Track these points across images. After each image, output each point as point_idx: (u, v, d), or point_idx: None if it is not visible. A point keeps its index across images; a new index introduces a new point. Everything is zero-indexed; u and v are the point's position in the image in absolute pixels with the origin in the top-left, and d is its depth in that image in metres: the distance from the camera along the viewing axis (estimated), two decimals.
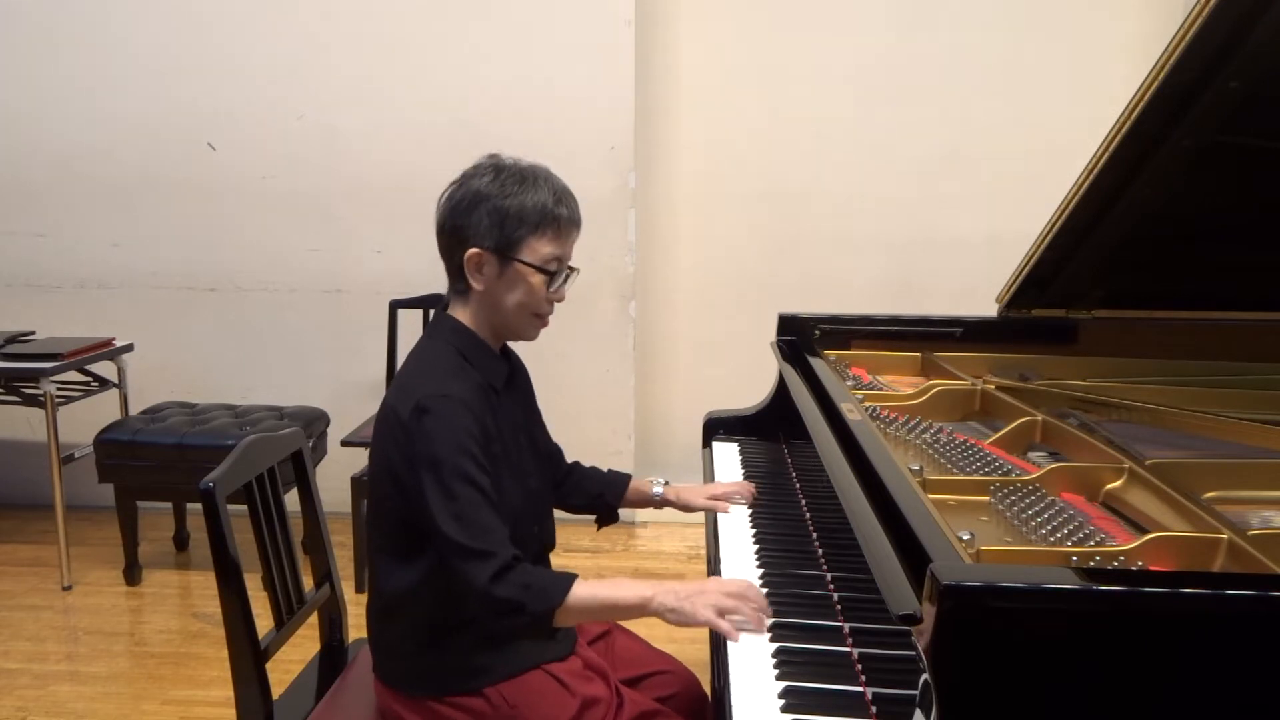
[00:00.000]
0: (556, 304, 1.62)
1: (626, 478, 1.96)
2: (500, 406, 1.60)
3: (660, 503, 1.96)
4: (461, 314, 1.60)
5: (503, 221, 1.52)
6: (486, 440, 1.52)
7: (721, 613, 1.45)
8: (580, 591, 1.47)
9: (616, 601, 1.49)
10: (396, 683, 1.60)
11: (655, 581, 1.52)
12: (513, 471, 1.60)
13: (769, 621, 1.46)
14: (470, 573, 1.43)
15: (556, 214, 1.55)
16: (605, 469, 1.97)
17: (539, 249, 1.54)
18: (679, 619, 1.46)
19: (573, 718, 1.55)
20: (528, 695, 1.56)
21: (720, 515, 1.93)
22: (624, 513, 2.01)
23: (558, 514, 1.81)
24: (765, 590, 1.56)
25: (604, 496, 1.92)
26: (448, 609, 1.54)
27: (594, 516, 1.95)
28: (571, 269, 1.61)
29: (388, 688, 1.61)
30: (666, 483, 1.98)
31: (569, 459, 1.94)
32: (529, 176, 1.55)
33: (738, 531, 1.87)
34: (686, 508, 1.97)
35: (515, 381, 1.70)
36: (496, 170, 1.55)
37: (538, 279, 1.56)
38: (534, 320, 1.61)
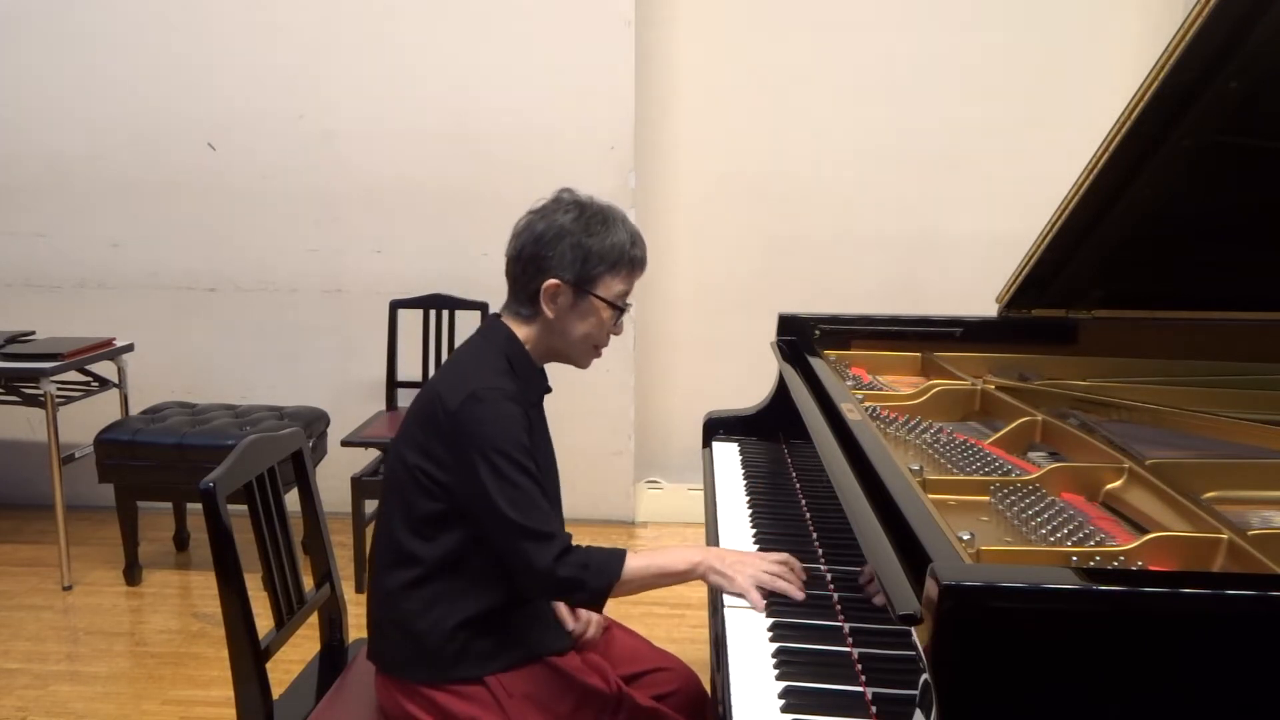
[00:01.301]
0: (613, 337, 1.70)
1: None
2: (533, 420, 1.63)
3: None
4: (519, 330, 1.66)
5: (585, 258, 1.60)
6: (532, 437, 1.58)
7: (759, 586, 1.52)
8: (634, 564, 1.54)
9: (667, 569, 1.57)
10: (396, 669, 1.61)
11: (702, 547, 1.61)
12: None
13: (802, 595, 1.53)
14: (533, 554, 1.49)
15: (633, 256, 1.64)
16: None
17: (613, 286, 1.63)
18: (719, 582, 1.55)
19: (572, 709, 1.57)
20: (528, 686, 1.58)
21: (720, 515, 1.94)
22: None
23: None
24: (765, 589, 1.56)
25: None
26: (451, 597, 1.57)
27: None
28: (630, 305, 1.69)
29: (388, 677, 1.62)
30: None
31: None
32: (610, 218, 1.63)
33: (738, 531, 1.87)
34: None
35: (543, 405, 1.75)
36: (580, 208, 1.62)
37: (608, 314, 1.64)
38: (593, 351, 1.70)
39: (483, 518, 1.52)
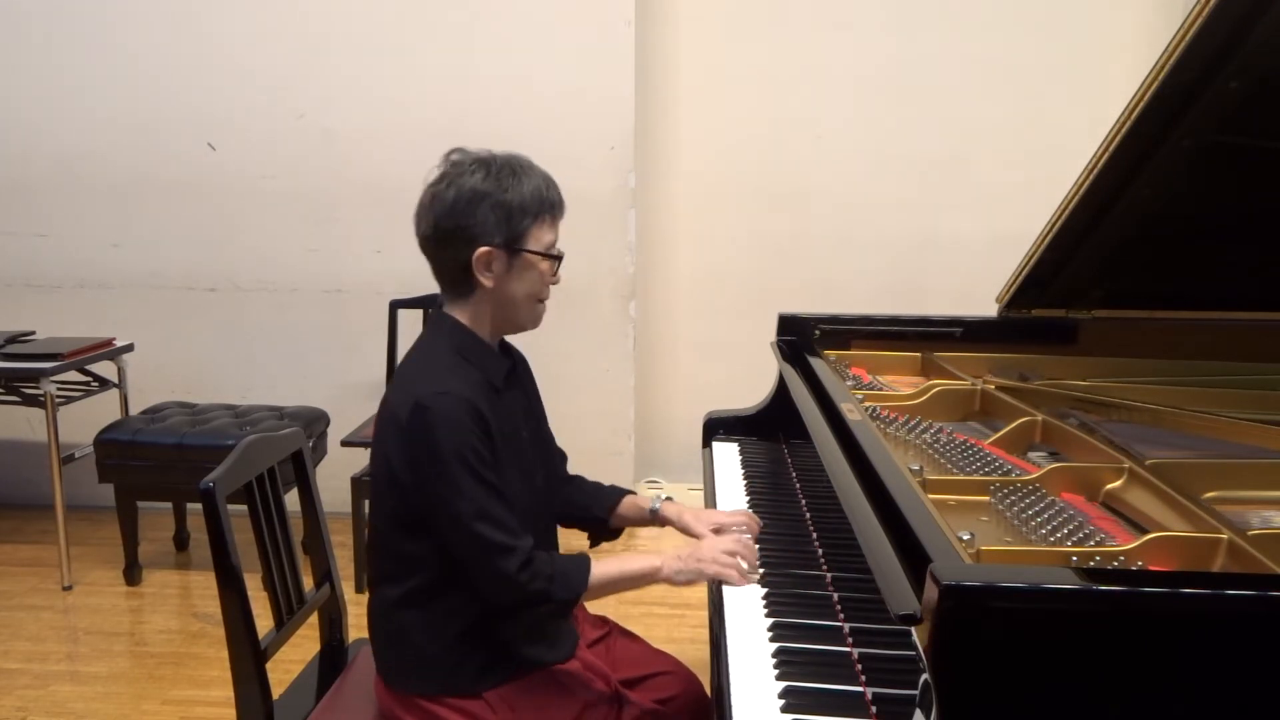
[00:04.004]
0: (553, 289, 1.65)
1: (622, 492, 1.85)
2: (501, 403, 1.60)
3: (660, 521, 1.83)
4: (461, 313, 1.60)
5: (509, 215, 1.53)
6: (489, 437, 1.52)
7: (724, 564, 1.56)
8: (597, 570, 1.54)
9: (630, 574, 1.58)
10: (397, 683, 1.60)
11: (658, 551, 1.62)
12: (519, 468, 1.60)
13: (759, 573, 1.60)
14: (495, 567, 1.47)
15: (552, 199, 1.58)
16: (607, 484, 1.88)
17: (541, 237, 1.57)
18: (688, 578, 1.57)
19: (573, 718, 1.55)
20: (528, 698, 1.56)
21: None
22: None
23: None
24: (765, 590, 1.56)
25: (590, 509, 1.83)
26: (448, 609, 1.55)
27: (586, 533, 1.89)
28: (562, 253, 1.64)
29: (389, 689, 1.61)
30: (668, 498, 1.87)
31: (570, 461, 1.90)
32: (517, 167, 1.57)
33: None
34: (685, 531, 1.80)
35: (516, 377, 1.69)
36: (485, 164, 1.56)
37: (545, 265, 1.59)
38: (538, 307, 1.63)
39: (443, 529, 1.50)
